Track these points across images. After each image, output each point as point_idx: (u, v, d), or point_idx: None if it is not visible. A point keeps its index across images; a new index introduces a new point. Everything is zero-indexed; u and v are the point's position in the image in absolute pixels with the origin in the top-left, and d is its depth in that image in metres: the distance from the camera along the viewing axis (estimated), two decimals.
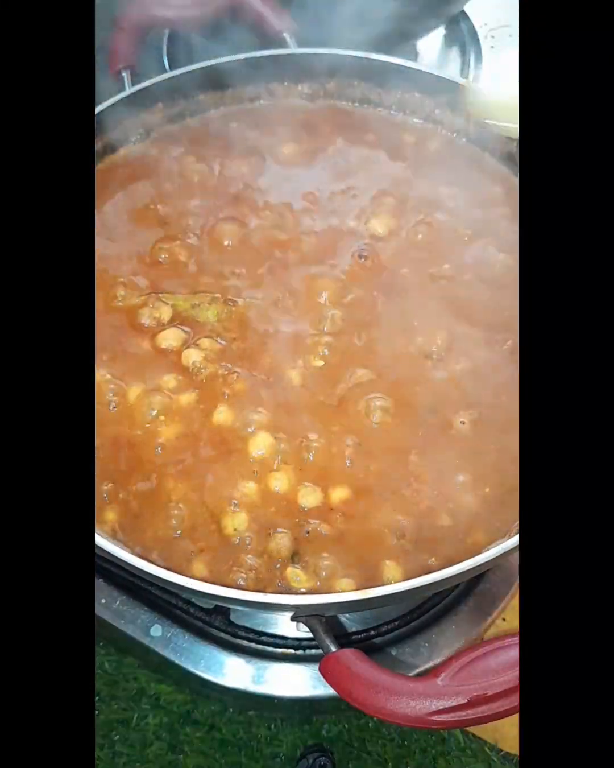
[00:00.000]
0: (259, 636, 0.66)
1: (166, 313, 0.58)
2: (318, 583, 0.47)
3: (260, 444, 0.52)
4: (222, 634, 0.66)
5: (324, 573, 0.47)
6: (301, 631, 0.65)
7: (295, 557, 0.48)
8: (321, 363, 0.56)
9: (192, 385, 0.54)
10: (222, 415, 0.53)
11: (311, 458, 0.51)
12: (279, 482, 0.50)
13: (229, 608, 0.67)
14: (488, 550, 0.44)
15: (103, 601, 0.67)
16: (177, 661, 0.65)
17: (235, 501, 0.50)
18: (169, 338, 0.57)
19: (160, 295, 0.59)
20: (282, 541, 0.48)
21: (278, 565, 0.48)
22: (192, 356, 0.55)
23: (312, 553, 0.48)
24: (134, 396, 0.54)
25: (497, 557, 0.43)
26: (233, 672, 0.65)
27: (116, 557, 0.43)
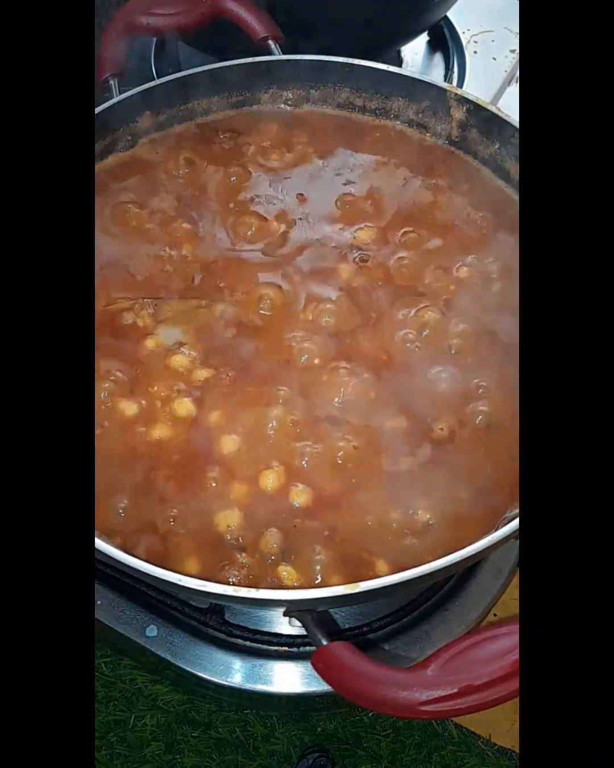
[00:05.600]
0: (254, 634, 0.66)
1: (152, 317, 0.59)
2: (310, 579, 0.48)
3: (252, 444, 0.53)
4: (217, 633, 0.67)
5: (315, 569, 0.48)
6: (295, 628, 0.66)
7: (285, 554, 0.49)
8: (315, 363, 0.57)
9: (184, 387, 0.55)
10: (213, 416, 0.54)
11: (303, 457, 0.52)
12: (271, 481, 0.51)
13: (223, 607, 0.68)
14: (476, 542, 0.44)
15: (99, 603, 0.68)
16: (173, 661, 0.66)
17: (228, 500, 0.50)
18: (157, 342, 0.57)
19: (148, 299, 0.60)
20: (273, 539, 0.49)
21: (270, 562, 0.48)
22: (182, 359, 0.56)
23: (303, 549, 0.49)
24: (124, 399, 0.55)
25: (485, 549, 0.44)
26: (229, 670, 0.65)
27: (110, 557, 0.44)
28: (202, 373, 0.56)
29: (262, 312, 0.60)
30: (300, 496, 0.50)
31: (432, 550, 0.48)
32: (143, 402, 0.54)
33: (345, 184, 0.69)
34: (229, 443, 0.53)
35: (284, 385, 0.55)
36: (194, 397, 0.55)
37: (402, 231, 0.65)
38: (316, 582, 0.48)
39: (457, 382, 0.55)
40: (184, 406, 0.54)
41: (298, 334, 0.58)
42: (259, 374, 0.56)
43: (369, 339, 0.58)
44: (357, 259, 0.63)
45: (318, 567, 0.48)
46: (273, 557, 0.49)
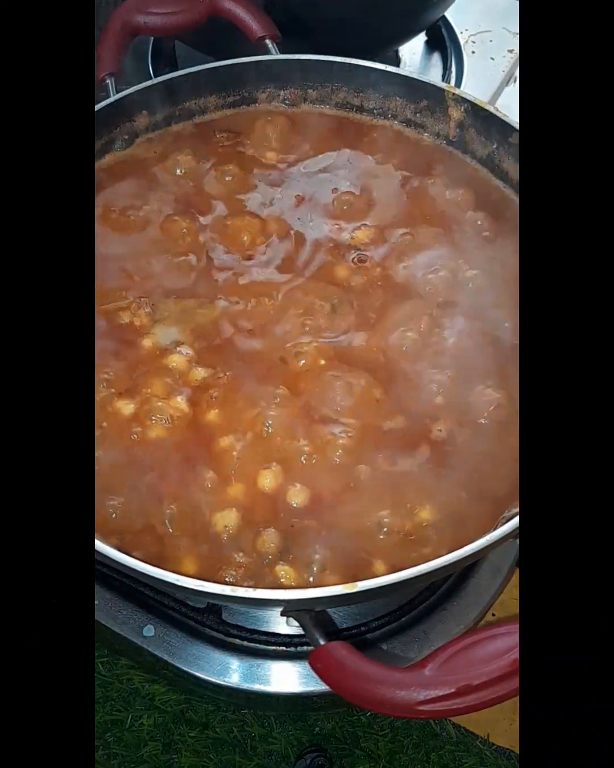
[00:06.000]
0: (252, 634, 0.66)
1: (149, 317, 0.59)
2: (308, 579, 0.48)
3: (249, 443, 0.52)
4: (215, 633, 0.67)
5: (313, 569, 0.48)
6: (293, 628, 0.66)
7: (283, 554, 0.49)
8: (312, 363, 0.56)
9: (181, 387, 0.55)
10: (210, 416, 0.54)
11: (301, 458, 0.52)
12: (268, 481, 0.51)
13: (221, 607, 0.68)
14: (474, 541, 0.44)
15: (97, 602, 0.67)
16: (170, 661, 0.66)
17: (225, 500, 0.50)
18: (154, 341, 0.57)
19: (145, 298, 0.60)
20: (271, 539, 0.49)
21: (267, 562, 0.48)
22: (179, 359, 0.56)
23: (300, 549, 0.49)
24: (120, 398, 0.54)
25: (484, 548, 0.44)
26: (226, 670, 0.65)
27: (108, 557, 0.43)
28: (199, 373, 0.56)
29: (260, 312, 0.60)
30: (297, 496, 0.50)
31: (431, 549, 0.48)
32: (140, 402, 0.54)
33: (343, 184, 0.69)
34: (226, 443, 0.53)
35: (281, 386, 0.55)
36: (191, 396, 0.55)
37: (400, 231, 0.65)
38: (314, 582, 0.48)
39: (456, 382, 0.55)
40: (181, 406, 0.54)
41: (296, 334, 0.58)
42: (257, 374, 0.56)
43: (367, 339, 0.58)
44: (355, 259, 0.63)
45: (315, 567, 0.48)
46: (270, 557, 0.48)
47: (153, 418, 0.53)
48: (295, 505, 0.50)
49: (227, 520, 0.49)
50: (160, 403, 0.54)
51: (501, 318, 0.59)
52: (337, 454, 0.52)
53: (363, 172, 0.70)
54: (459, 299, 0.60)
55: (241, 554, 0.49)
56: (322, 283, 0.61)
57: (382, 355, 0.57)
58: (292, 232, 0.65)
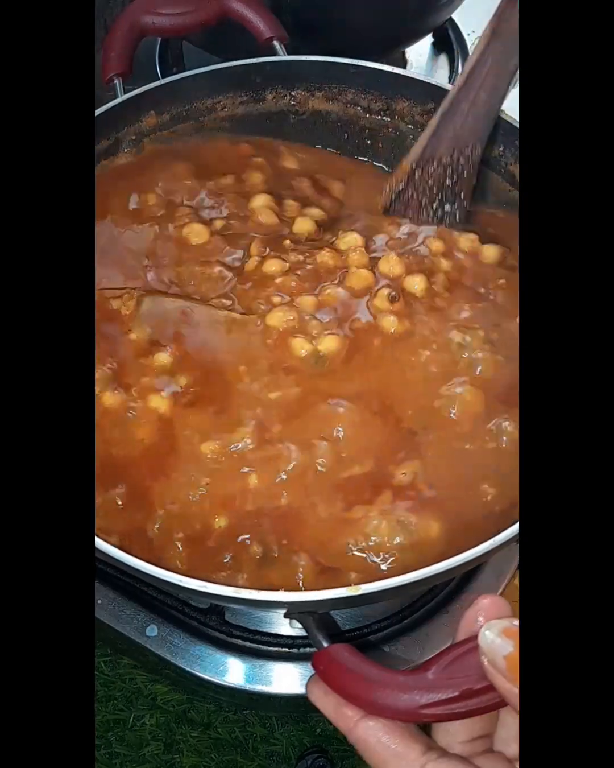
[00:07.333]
0: (254, 635, 0.66)
1: (138, 311, 0.57)
2: (296, 583, 0.47)
3: (243, 446, 0.51)
4: (217, 634, 0.67)
5: (299, 575, 0.47)
6: (295, 629, 0.66)
7: (267, 559, 0.48)
8: (302, 369, 0.55)
9: (164, 386, 0.54)
10: (194, 417, 0.53)
11: (286, 464, 0.51)
12: (265, 483, 0.50)
13: (223, 608, 0.68)
14: (476, 546, 0.44)
15: (100, 602, 0.68)
16: (173, 661, 0.66)
17: (210, 503, 0.50)
18: (140, 336, 0.56)
19: (136, 289, 0.59)
20: (255, 545, 0.48)
21: (254, 567, 0.48)
22: (163, 357, 0.55)
23: (286, 556, 0.48)
24: (111, 397, 0.53)
25: (486, 553, 0.43)
26: (229, 671, 0.66)
27: (112, 556, 0.43)
28: (184, 376, 0.55)
29: (259, 316, 0.58)
30: (282, 501, 0.50)
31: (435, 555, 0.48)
32: (122, 399, 0.53)
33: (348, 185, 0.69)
34: (219, 443, 0.52)
35: (275, 389, 0.54)
36: (174, 396, 0.53)
37: (410, 237, 0.64)
38: (302, 587, 0.47)
39: (469, 403, 0.53)
40: (164, 406, 0.53)
41: (289, 343, 0.56)
42: (241, 378, 0.55)
43: (362, 346, 0.56)
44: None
45: (300, 573, 0.48)
46: (257, 560, 0.48)
47: (134, 415, 0.52)
48: (278, 511, 0.50)
49: (222, 523, 0.49)
50: (141, 402, 0.53)
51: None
52: (321, 461, 0.51)
53: (369, 173, 0.70)
54: (476, 311, 0.59)
55: (228, 558, 0.48)
56: (324, 288, 0.60)
57: (376, 362, 0.56)
58: (298, 238, 0.65)
